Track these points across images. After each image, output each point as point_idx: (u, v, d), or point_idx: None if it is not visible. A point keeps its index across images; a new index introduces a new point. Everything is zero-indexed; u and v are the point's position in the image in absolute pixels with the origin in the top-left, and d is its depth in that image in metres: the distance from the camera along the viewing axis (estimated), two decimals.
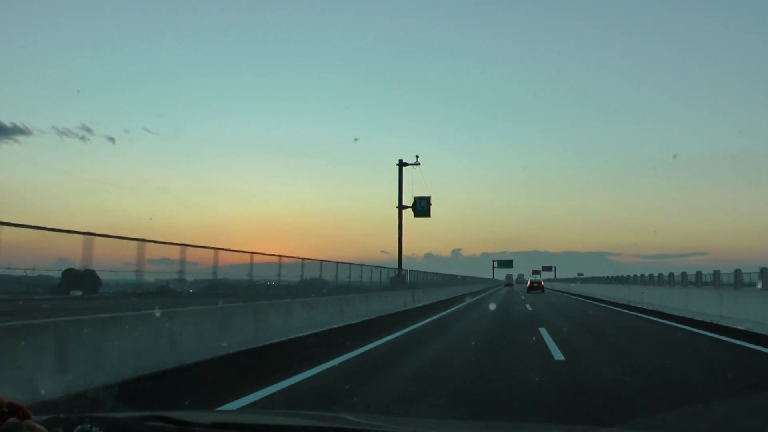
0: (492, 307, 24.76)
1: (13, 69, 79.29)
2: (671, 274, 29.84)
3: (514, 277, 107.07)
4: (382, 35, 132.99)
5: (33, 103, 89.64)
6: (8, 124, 77.40)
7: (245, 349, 8.79)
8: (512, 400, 5.76)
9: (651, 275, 32.87)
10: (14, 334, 5.30)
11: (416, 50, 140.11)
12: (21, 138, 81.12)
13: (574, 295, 42.95)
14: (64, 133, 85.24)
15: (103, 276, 10.40)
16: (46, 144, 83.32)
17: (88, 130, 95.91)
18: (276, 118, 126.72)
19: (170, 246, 9.95)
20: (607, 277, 46.05)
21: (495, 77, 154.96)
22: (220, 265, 12.29)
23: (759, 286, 22.29)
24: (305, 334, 11.04)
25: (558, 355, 9.02)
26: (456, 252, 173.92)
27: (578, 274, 79.69)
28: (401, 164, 31.47)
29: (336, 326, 12.85)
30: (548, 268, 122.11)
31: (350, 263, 19.75)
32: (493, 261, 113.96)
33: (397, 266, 29.66)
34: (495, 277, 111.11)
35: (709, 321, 14.45)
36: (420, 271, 33.75)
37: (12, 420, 1.20)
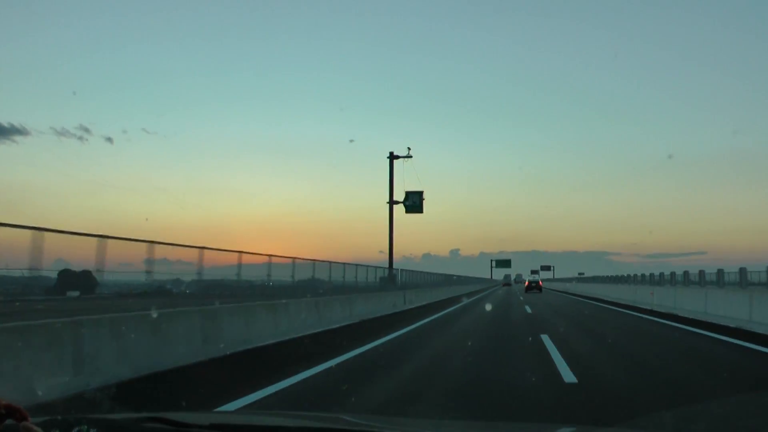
0: (488, 308, 23.52)
1: (10, 69, 79.12)
2: (673, 274, 28.80)
3: (513, 277, 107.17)
4: (380, 36, 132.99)
5: (31, 103, 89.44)
6: (6, 125, 77.26)
7: (182, 366, 7.15)
8: None
9: (662, 274, 31.52)
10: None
11: (414, 50, 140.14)
12: (19, 138, 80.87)
13: (575, 295, 41.72)
14: (62, 133, 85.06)
15: (99, 277, 10.41)
16: (44, 144, 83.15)
17: (86, 130, 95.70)
18: (274, 118, 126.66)
19: (168, 246, 9.97)
20: (608, 276, 45.42)
21: (492, 77, 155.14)
22: (221, 265, 12.31)
23: None
24: (268, 343, 9.78)
25: (568, 375, 7.07)
26: (454, 252, 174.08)
27: (579, 274, 79.31)
28: (392, 157, 29.66)
29: (308, 333, 11.47)
30: (547, 268, 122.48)
31: (345, 263, 19.27)
32: (491, 261, 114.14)
33: (396, 267, 28.56)
34: (493, 277, 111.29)
35: (734, 326, 13.03)
36: (413, 271, 32.56)
37: (9, 422, 1.19)
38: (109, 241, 8.37)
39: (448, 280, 44.79)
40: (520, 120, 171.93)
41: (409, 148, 29.95)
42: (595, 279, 50.64)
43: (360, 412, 5.32)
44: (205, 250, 11.05)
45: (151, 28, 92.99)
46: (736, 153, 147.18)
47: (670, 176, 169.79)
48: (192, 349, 7.78)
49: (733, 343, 10.76)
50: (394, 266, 28.84)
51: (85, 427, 1.41)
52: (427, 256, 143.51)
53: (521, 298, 36.05)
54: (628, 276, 38.48)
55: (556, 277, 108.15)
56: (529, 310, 22.32)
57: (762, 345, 10.15)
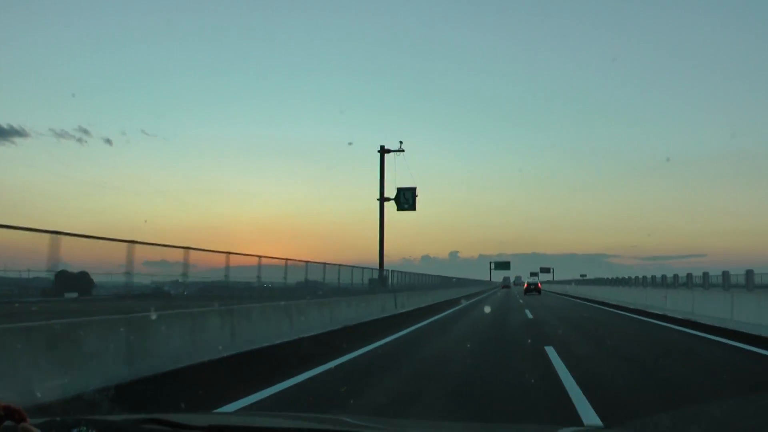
0: (486, 312, 22.59)
1: (9, 70, 79.08)
2: (678, 276, 27.93)
3: (512, 279, 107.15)
4: (379, 37, 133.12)
5: (29, 104, 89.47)
6: (5, 126, 77.17)
7: (95, 389, 5.72)
8: None
9: (675, 276, 30.09)
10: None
11: (413, 51, 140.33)
12: (18, 140, 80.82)
13: (576, 298, 40.43)
14: (61, 135, 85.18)
15: (96, 278, 10.42)
16: (43, 146, 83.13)
17: (85, 132, 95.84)
18: (273, 119, 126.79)
19: (167, 248, 9.96)
20: (611, 278, 44.56)
21: (492, 78, 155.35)
22: (219, 267, 12.24)
23: None
24: (219, 357, 8.18)
25: (588, 413, 5.18)
26: (453, 254, 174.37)
27: (581, 275, 78.45)
28: (382, 151, 27.57)
29: (274, 343, 9.98)
30: (546, 270, 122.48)
31: (324, 263, 18.21)
32: (490, 263, 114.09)
33: (387, 268, 27.06)
34: (492, 279, 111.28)
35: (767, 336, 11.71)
36: (406, 272, 31.07)
37: (8, 423, 1.19)
38: (106, 242, 8.37)
39: (446, 282, 43.66)
40: (520, 121, 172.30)
41: (401, 142, 27.70)
42: (596, 281, 49.57)
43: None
44: (196, 252, 10.90)
45: (150, 29, 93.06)
46: (734, 154, 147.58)
47: (669, 178, 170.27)
48: (109, 372, 6.16)
49: None
50: (390, 268, 27.53)
51: (84, 428, 1.41)
52: (426, 258, 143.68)
53: (521, 301, 35.03)
54: (630, 278, 37.65)
55: (555, 279, 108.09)
56: (530, 315, 20.80)
57: None
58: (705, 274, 26.26)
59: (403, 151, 27.40)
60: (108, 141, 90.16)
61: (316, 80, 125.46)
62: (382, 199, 27.40)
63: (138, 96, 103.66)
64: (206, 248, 11.73)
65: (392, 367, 8.24)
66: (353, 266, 21.18)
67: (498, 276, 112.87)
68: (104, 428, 1.49)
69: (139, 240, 9.01)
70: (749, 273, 22.79)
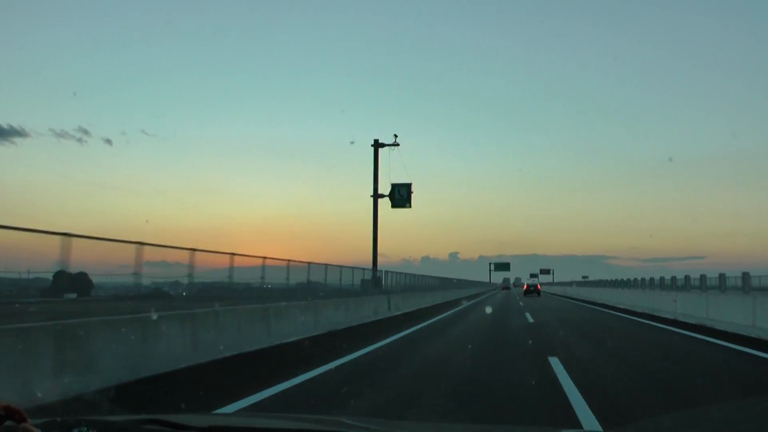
0: (483, 316, 21.59)
1: (10, 70, 79.11)
2: (687, 278, 27.04)
3: (511, 281, 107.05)
4: (379, 38, 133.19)
5: (30, 104, 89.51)
6: (5, 126, 77.19)
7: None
8: None
9: (687, 277, 29.08)
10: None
11: (413, 52, 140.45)
12: (18, 140, 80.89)
13: (578, 300, 39.50)
14: (61, 135, 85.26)
15: (95, 279, 10.41)
16: (43, 146, 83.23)
17: (85, 132, 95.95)
18: (273, 119, 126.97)
19: (166, 249, 9.95)
20: (614, 280, 44.06)
21: (493, 79, 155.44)
22: (221, 268, 12.22)
23: None
24: (177, 368, 7.11)
25: None
26: (453, 255, 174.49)
27: (583, 277, 77.27)
28: (376, 145, 26.14)
29: (246, 351, 8.86)
30: (546, 271, 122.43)
31: (309, 263, 17.32)
32: (490, 264, 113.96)
33: (382, 268, 25.92)
34: (492, 281, 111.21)
35: None
36: (402, 273, 29.96)
37: (9, 423, 1.19)
38: (106, 243, 8.37)
39: (444, 283, 42.72)
40: (520, 122, 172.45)
41: (395, 135, 26.24)
42: (598, 283, 48.86)
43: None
44: (196, 253, 10.90)
45: (150, 29, 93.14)
46: (735, 155, 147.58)
47: (669, 179, 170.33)
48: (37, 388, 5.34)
49: None
50: (385, 269, 26.41)
51: (85, 428, 1.40)
52: (426, 260, 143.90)
53: (521, 303, 34.12)
54: (633, 280, 37.18)
55: (555, 280, 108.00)
56: (531, 319, 19.48)
57: None
58: (721, 276, 24.68)
59: (398, 145, 26.10)
60: (108, 141, 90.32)
61: (316, 80, 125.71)
62: (376, 196, 26.23)
63: (138, 96, 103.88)
64: (210, 249, 11.82)
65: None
66: (342, 266, 19.79)
67: (498, 277, 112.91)
68: (104, 429, 1.49)
69: (143, 241, 9.03)
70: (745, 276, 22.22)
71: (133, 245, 8.84)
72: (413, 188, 26.69)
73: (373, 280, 23.81)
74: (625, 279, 40.76)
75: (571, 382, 6.88)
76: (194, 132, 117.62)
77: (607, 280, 46.96)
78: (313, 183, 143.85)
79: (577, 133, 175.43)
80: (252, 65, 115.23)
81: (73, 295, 9.64)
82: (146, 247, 9.06)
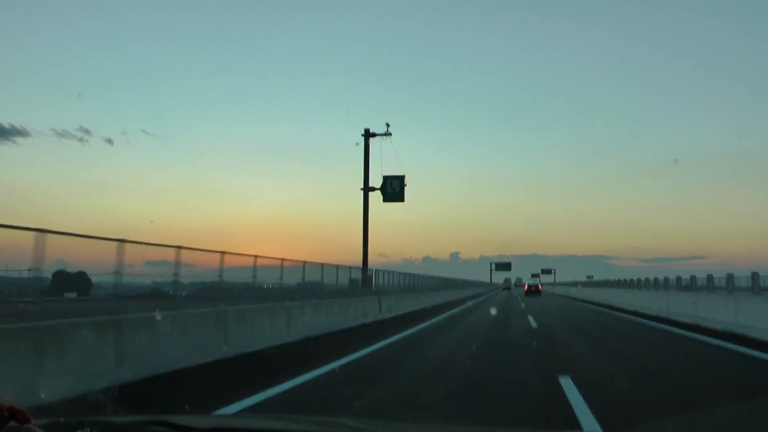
0: (482, 321, 20.27)
1: (11, 70, 79.30)
2: (709, 277, 25.66)
3: (513, 281, 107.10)
4: (381, 38, 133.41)
5: (31, 104, 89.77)
6: (7, 126, 77.43)
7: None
8: None
9: (710, 276, 26.98)
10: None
11: (413, 52, 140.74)
12: (19, 139, 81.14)
13: (583, 301, 38.11)
14: (63, 134, 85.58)
15: (95, 279, 10.38)
16: (45, 146, 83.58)
17: (87, 131, 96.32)
18: (273, 119, 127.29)
19: (164, 249, 9.91)
20: (618, 280, 43.11)
21: (493, 79, 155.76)
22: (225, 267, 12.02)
23: None
24: (99, 387, 5.78)
25: None
26: (454, 255, 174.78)
27: (588, 277, 75.78)
28: (367, 135, 24.58)
29: (191, 365, 7.57)
30: (548, 272, 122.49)
31: (305, 262, 16.30)
32: (491, 264, 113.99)
33: (374, 267, 24.42)
34: (493, 281, 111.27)
35: None
36: (397, 272, 28.41)
37: (12, 424, 1.19)
38: (105, 243, 8.29)
39: (443, 283, 41.37)
40: (521, 123, 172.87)
41: (387, 125, 24.66)
42: (603, 283, 47.75)
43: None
44: (195, 252, 10.67)
45: (150, 29, 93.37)
46: (738, 156, 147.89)
47: (670, 179, 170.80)
48: None
49: None
50: (376, 267, 24.92)
51: (88, 429, 1.40)
52: (427, 260, 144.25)
53: (522, 305, 32.56)
54: (645, 280, 36.41)
55: (557, 281, 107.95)
56: (534, 323, 17.80)
57: None
58: (754, 274, 21.78)
59: (390, 134, 24.49)
60: (109, 141, 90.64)
61: (316, 80, 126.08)
62: (366, 188, 24.54)
63: (139, 96, 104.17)
64: (198, 247, 10.97)
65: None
66: (324, 264, 17.83)
67: (498, 277, 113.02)
68: (107, 429, 1.48)
69: (130, 239, 8.72)
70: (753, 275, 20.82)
71: (114, 242, 8.38)
72: (407, 181, 24.97)
73: (363, 279, 22.23)
74: (630, 279, 39.64)
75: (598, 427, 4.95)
76: (194, 132, 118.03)
77: (611, 281, 45.96)
78: (313, 183, 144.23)
79: (578, 134, 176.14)
80: (252, 65, 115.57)
81: (73, 295, 9.63)
82: (149, 247, 9.00)
